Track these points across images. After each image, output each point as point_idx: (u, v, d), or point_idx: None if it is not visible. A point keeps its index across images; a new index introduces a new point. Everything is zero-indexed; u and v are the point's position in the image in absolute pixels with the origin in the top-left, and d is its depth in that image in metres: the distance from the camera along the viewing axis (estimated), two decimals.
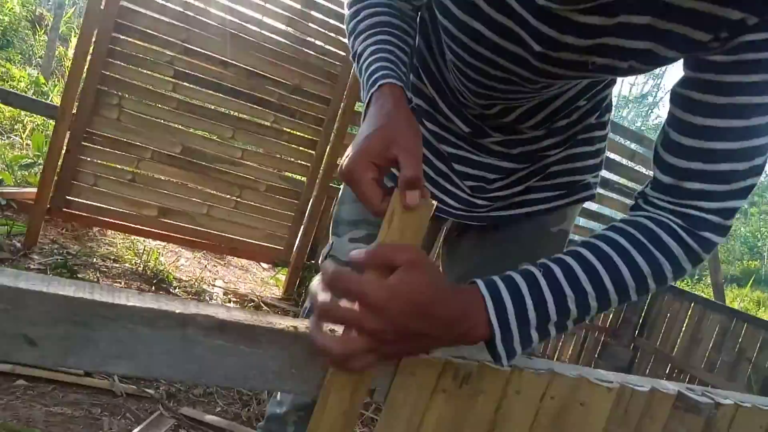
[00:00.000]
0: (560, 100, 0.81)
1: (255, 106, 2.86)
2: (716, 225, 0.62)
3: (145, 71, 2.63)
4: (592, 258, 0.60)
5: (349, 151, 0.59)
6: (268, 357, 0.51)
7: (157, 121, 2.71)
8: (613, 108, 0.96)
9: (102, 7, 2.49)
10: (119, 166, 2.71)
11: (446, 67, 0.82)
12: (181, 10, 2.62)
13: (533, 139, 0.87)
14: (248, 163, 2.93)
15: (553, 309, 0.58)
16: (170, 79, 2.67)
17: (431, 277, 0.51)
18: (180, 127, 2.76)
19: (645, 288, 0.61)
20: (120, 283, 2.54)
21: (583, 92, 0.83)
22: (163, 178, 2.79)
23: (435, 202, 0.56)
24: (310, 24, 2.88)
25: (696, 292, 5.02)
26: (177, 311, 0.48)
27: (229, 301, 2.85)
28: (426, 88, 0.88)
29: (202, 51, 2.69)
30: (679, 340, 3.99)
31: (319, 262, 1.03)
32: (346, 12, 0.82)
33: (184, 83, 2.69)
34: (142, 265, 2.80)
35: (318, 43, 2.93)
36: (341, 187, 1.09)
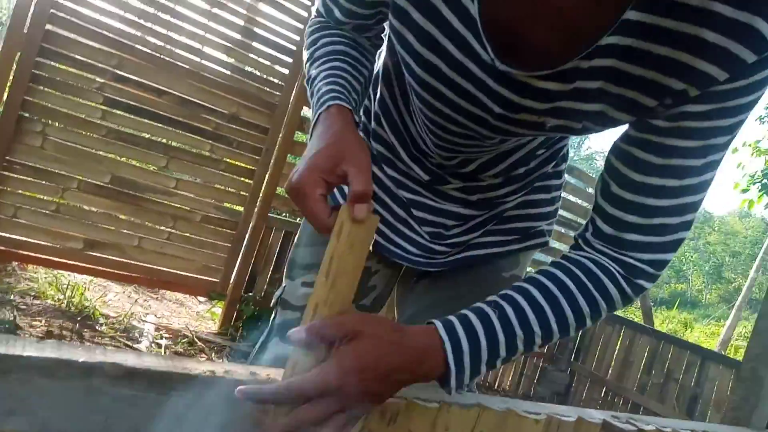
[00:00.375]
0: (520, 152, 0.83)
1: (191, 135, 2.79)
2: (650, 274, 0.67)
3: (72, 98, 2.52)
4: (542, 300, 0.64)
5: (297, 167, 0.59)
6: (183, 406, 0.48)
7: (84, 150, 2.60)
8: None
9: (25, 31, 2.38)
10: (42, 197, 2.56)
11: (409, 115, 0.83)
12: (113, 36, 2.55)
13: (492, 186, 0.88)
14: (183, 193, 2.84)
15: (503, 347, 0.62)
16: (100, 106, 2.57)
17: (375, 339, 0.53)
18: (109, 155, 2.66)
19: (583, 325, 0.66)
20: (40, 321, 2.37)
21: (543, 143, 0.85)
22: (90, 208, 2.66)
23: (378, 217, 0.58)
24: (249, 54, 2.87)
25: (627, 316, 5.23)
26: (80, 360, 0.44)
27: (161, 337, 2.72)
28: (386, 135, 0.88)
29: (135, 78, 2.62)
30: (612, 364, 4.12)
31: (271, 305, 1.01)
32: (306, 40, 0.83)
33: (115, 111, 2.60)
34: (65, 302, 2.63)
35: (257, 72, 2.92)
36: (300, 225, 1.06)
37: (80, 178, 2.60)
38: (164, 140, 2.77)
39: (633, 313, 11.19)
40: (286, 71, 2.95)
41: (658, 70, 0.56)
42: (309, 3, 2.91)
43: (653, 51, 0.55)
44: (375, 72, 0.88)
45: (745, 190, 9.06)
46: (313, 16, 0.85)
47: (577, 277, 0.66)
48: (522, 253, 0.96)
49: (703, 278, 26.04)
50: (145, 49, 2.61)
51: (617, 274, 0.66)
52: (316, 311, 0.54)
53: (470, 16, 0.59)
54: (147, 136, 2.73)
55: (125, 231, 2.74)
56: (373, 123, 0.90)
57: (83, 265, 2.67)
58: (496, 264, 0.95)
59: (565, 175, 0.99)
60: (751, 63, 0.53)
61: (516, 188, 0.90)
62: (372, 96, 0.91)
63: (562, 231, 4.50)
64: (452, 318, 0.61)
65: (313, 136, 0.65)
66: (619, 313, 4.15)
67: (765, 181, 8.75)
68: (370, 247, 0.92)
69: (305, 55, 0.81)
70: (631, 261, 0.66)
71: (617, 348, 4.13)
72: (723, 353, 10.92)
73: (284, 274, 1.01)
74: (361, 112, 0.95)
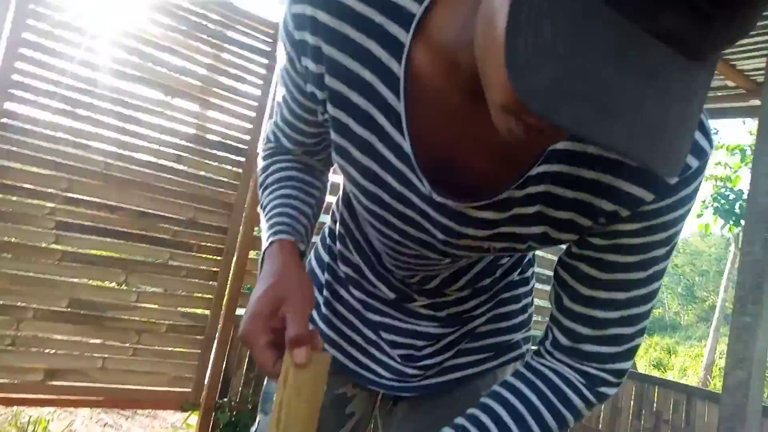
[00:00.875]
0: (482, 264, 0.84)
1: (149, 246, 2.76)
2: (611, 382, 0.68)
3: (23, 227, 2.48)
4: (509, 420, 0.65)
5: (244, 314, 0.59)
6: None
7: (38, 277, 2.53)
8: None
9: None
10: None
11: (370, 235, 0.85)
12: (60, 160, 2.54)
13: (460, 300, 0.88)
14: (145, 305, 2.77)
15: None
16: (52, 231, 2.53)
17: None
18: (65, 279, 2.59)
19: None
20: None
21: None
22: (48, 336, 2.56)
23: (330, 355, 0.58)
24: (201, 159, 2.89)
25: None
26: None
27: None
28: (351, 255, 0.89)
29: (87, 198, 2.60)
30: (602, 412, 4.08)
31: None
32: (258, 165, 0.85)
33: (68, 233, 2.56)
34: None
35: (210, 175, 2.93)
36: None
37: (36, 306, 2.51)
38: (122, 255, 2.73)
39: None
40: (239, 170, 2.98)
41: (589, 192, 0.58)
42: (255, 103, 2.98)
43: (582, 175, 0.57)
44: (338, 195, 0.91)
45: (699, 215, 9.41)
46: (264, 141, 0.88)
47: (542, 393, 0.67)
48: (499, 369, 0.94)
49: (677, 300, 26.46)
50: (95, 169, 2.61)
51: (580, 385, 0.67)
52: None
53: (404, 152, 0.61)
54: (103, 253, 2.69)
55: (87, 354, 2.64)
56: (338, 244, 0.91)
57: (45, 397, 2.54)
58: (473, 385, 0.93)
59: (534, 280, 0.99)
60: (675, 183, 0.56)
61: (484, 299, 0.90)
62: (336, 217, 0.92)
63: (538, 286, 4.53)
64: None
65: (260, 275, 0.67)
66: None
67: (716, 204, 9.12)
68: (349, 377, 0.91)
69: (258, 181, 0.84)
70: (592, 371, 0.67)
71: None
72: (709, 379, 10.99)
73: (258, 407, 0.98)
74: (327, 234, 0.96)
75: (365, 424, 1.00)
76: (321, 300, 0.93)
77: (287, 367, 0.54)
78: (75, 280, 2.62)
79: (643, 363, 12.67)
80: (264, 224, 0.75)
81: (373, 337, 0.91)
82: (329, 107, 0.64)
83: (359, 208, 0.73)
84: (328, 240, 0.95)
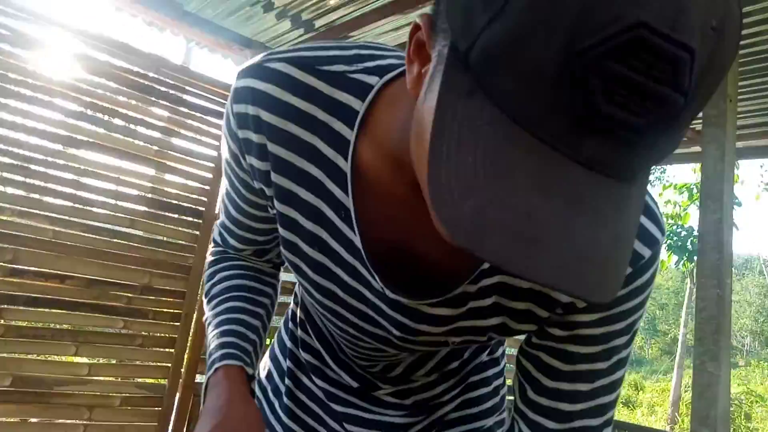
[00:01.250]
0: (447, 349, 0.80)
1: (101, 315, 2.64)
2: None
3: None
4: None
5: None
6: None
7: None
8: None
9: None
10: None
11: None
12: (3, 230, 2.44)
13: (426, 385, 0.84)
14: (97, 378, 2.64)
15: None
16: None
17: None
18: (9, 355, 2.44)
19: None
20: None
21: None
22: None
23: None
24: (158, 223, 2.82)
25: None
26: None
27: None
28: (313, 341, 0.85)
29: (33, 269, 2.49)
30: None
31: None
32: (204, 272, 0.81)
33: (12, 307, 2.43)
34: None
35: (165, 239, 2.87)
36: None
37: None
38: (71, 327, 2.60)
39: None
40: (197, 232, 2.92)
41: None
42: (213, 165, 2.96)
43: None
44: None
45: None
46: (211, 246, 0.84)
47: None
48: None
49: (641, 335, 26.87)
50: (43, 238, 2.51)
51: None
52: None
53: (355, 246, 0.60)
54: (51, 325, 2.56)
55: None
56: (299, 330, 0.87)
57: None
58: None
59: (504, 360, 0.94)
60: (628, 274, 0.55)
61: (453, 383, 0.85)
62: (297, 300, 0.89)
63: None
64: None
65: (203, 407, 0.62)
66: None
67: (669, 242, 9.43)
68: None
69: (204, 290, 0.79)
70: None
71: None
72: (677, 415, 11.07)
73: None
74: (290, 317, 0.92)
75: None
76: (283, 389, 0.89)
77: None
78: (20, 356, 2.48)
79: None
80: (209, 342, 0.70)
81: (337, 428, 0.86)
82: (276, 203, 0.63)
83: (312, 301, 0.71)
84: (290, 324, 0.91)
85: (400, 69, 0.57)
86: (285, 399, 0.88)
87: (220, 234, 0.80)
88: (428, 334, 0.65)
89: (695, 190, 10.49)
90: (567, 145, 0.34)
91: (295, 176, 0.60)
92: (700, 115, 2.10)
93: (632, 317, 0.60)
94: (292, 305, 0.93)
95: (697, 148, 3.70)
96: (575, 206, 0.35)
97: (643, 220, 0.55)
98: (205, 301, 0.78)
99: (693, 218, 10.76)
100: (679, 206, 10.53)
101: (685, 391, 12.03)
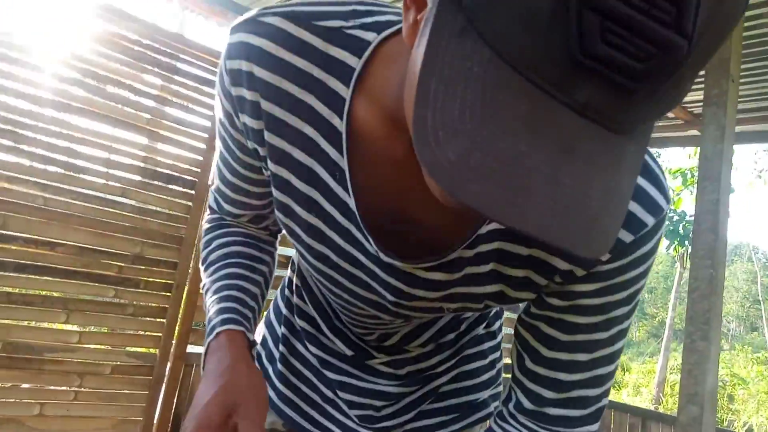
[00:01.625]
0: (444, 319, 0.79)
1: (92, 284, 2.63)
2: None
3: None
4: None
5: (188, 421, 0.54)
6: None
7: None
8: None
9: None
10: None
11: None
12: None
13: (422, 356, 0.83)
14: (88, 346, 2.63)
15: None
16: None
17: None
18: None
19: None
20: None
21: None
22: None
23: None
24: (151, 193, 2.79)
25: None
26: None
27: None
28: (308, 308, 0.84)
29: (23, 235, 2.46)
30: None
31: None
32: (202, 239, 0.79)
33: (2, 273, 2.41)
34: None
35: (158, 209, 2.84)
36: None
37: None
38: (62, 294, 2.59)
39: None
40: (189, 203, 2.90)
41: (543, 248, 0.56)
42: (206, 135, 2.92)
43: None
44: None
45: None
46: (207, 213, 0.82)
47: None
48: (466, 430, 0.88)
49: None
50: (33, 204, 2.48)
51: None
52: None
53: (350, 209, 0.59)
54: (42, 292, 2.54)
55: (23, 400, 2.47)
56: (295, 297, 0.86)
57: None
58: None
59: (502, 332, 0.94)
60: (629, 242, 0.54)
61: (448, 355, 0.85)
62: (294, 267, 0.88)
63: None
64: None
65: (204, 372, 0.61)
66: None
67: None
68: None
69: (201, 258, 0.78)
70: None
71: None
72: (661, 396, 11.28)
73: None
74: (286, 284, 0.91)
75: None
76: (277, 355, 0.88)
77: None
78: (10, 322, 2.47)
79: None
80: (207, 308, 0.69)
81: (330, 395, 0.86)
82: (270, 164, 0.61)
83: (307, 266, 0.70)
84: (286, 291, 0.90)
85: (398, 26, 0.55)
86: (279, 365, 0.88)
87: (216, 200, 0.78)
88: (423, 300, 0.64)
89: (689, 175, 10.51)
90: (561, 89, 0.32)
91: (289, 136, 0.58)
92: (701, 96, 2.09)
93: (633, 287, 0.58)
94: (288, 272, 0.92)
95: (695, 132, 3.70)
96: (566, 155, 0.33)
97: (649, 187, 0.53)
98: (202, 268, 0.77)
99: (685, 203, 10.81)
100: (672, 191, 10.57)
101: (671, 373, 12.25)
